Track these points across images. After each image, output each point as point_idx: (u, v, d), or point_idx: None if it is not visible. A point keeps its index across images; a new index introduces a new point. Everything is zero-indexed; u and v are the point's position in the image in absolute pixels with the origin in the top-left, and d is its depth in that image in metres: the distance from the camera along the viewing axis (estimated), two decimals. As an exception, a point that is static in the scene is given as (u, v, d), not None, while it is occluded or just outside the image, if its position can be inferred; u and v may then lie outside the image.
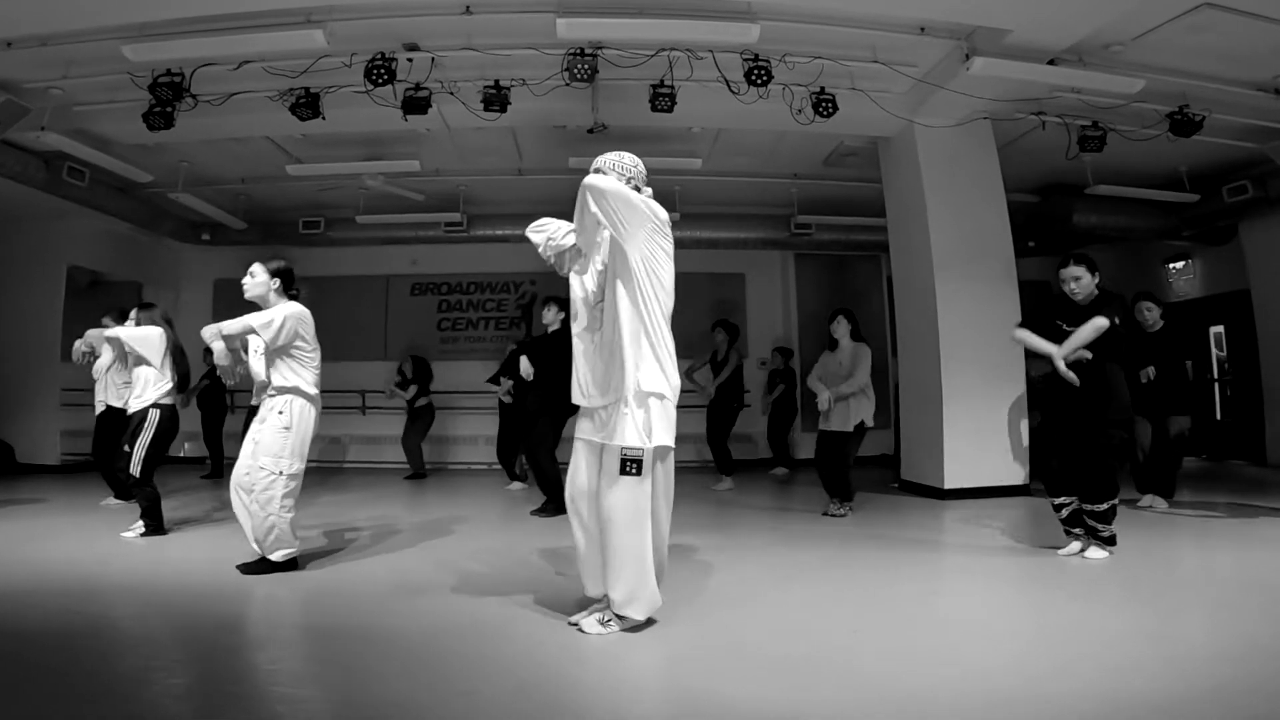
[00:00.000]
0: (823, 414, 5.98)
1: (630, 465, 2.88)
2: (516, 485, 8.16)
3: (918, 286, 7.30)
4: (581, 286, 3.20)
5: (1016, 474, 6.92)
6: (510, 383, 7.67)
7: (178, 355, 5.38)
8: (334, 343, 9.92)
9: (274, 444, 4.01)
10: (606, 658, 2.75)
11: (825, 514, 5.96)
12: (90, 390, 6.68)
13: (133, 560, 4.44)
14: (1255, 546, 4.54)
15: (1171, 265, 10.76)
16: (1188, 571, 3.99)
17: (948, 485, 6.75)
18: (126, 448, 5.09)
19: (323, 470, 9.72)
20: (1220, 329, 10.17)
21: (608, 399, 3.00)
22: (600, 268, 3.13)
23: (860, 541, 4.96)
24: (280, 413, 4.05)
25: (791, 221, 10.05)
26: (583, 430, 3.15)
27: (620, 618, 2.98)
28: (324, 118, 6.56)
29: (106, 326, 6.05)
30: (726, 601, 3.50)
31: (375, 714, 2.25)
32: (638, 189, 3.08)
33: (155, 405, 5.19)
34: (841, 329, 6.07)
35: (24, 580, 3.84)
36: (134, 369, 5.32)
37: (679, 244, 3.75)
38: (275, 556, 4.01)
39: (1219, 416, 10.23)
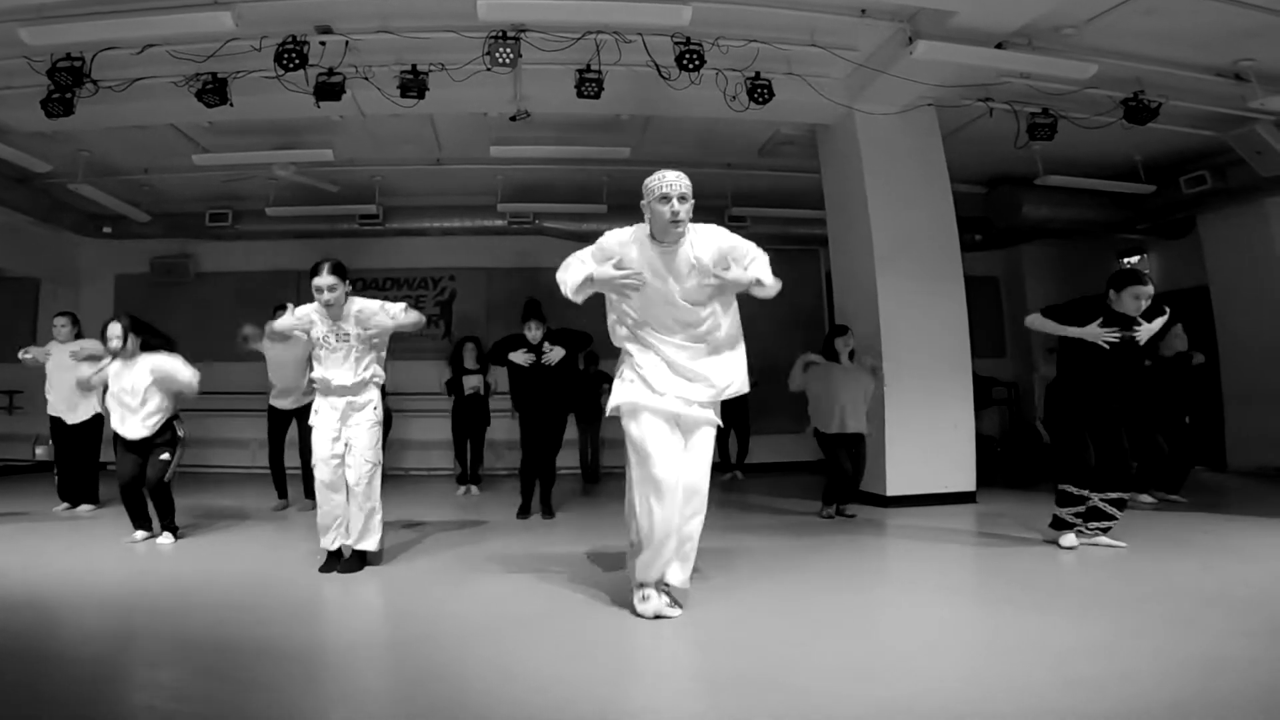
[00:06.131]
0: None
1: None
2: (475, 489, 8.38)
3: (858, 282, 7.33)
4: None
5: (963, 480, 6.96)
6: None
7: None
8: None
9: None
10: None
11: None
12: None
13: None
14: (1217, 556, 4.59)
15: (1126, 260, 10.88)
16: (1146, 583, 3.99)
17: (890, 492, 6.78)
18: (166, 456, 5.46)
19: (229, 476, 9.63)
20: (1178, 327, 10.28)
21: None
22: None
23: (799, 554, 4.94)
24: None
25: (725, 214, 9.86)
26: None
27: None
28: (232, 104, 6.48)
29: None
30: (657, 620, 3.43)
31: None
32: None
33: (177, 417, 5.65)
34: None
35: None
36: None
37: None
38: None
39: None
